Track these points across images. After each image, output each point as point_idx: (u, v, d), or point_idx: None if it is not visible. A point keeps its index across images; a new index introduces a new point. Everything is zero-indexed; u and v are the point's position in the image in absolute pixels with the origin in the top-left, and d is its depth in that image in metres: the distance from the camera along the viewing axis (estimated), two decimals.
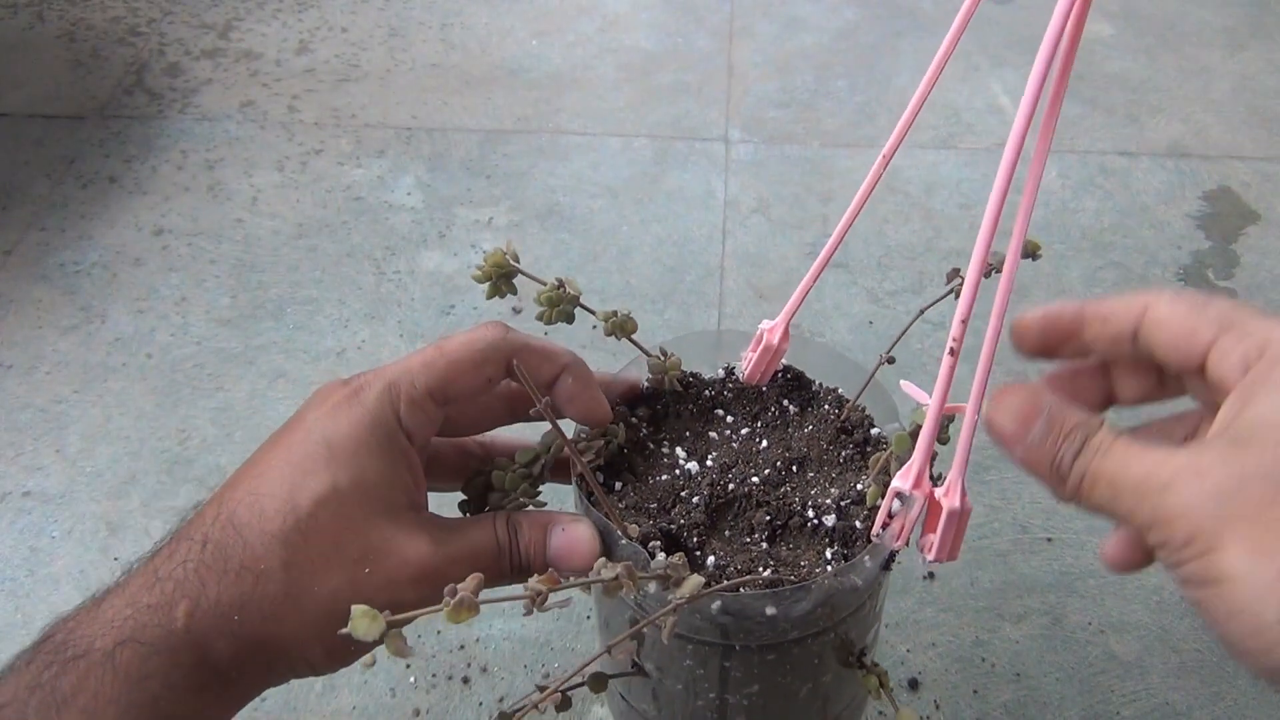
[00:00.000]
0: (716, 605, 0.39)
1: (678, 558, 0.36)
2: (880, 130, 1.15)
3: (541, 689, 0.35)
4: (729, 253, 1.00)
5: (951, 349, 0.35)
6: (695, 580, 0.35)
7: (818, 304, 0.93)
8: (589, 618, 0.71)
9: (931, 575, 0.73)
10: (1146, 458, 0.30)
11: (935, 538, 0.37)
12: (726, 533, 0.42)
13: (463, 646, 0.70)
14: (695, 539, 0.41)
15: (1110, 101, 1.20)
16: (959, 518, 0.37)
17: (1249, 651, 0.27)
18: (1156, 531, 0.29)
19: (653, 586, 0.36)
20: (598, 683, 0.45)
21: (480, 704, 0.67)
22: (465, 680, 0.68)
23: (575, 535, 0.39)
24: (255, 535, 0.35)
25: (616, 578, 0.34)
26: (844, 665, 0.46)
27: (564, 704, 0.39)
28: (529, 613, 0.32)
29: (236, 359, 0.90)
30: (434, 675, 0.68)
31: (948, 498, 0.37)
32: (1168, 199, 1.08)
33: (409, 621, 0.30)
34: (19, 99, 1.19)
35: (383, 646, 0.30)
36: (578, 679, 0.38)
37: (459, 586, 0.30)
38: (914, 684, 0.68)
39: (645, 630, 0.35)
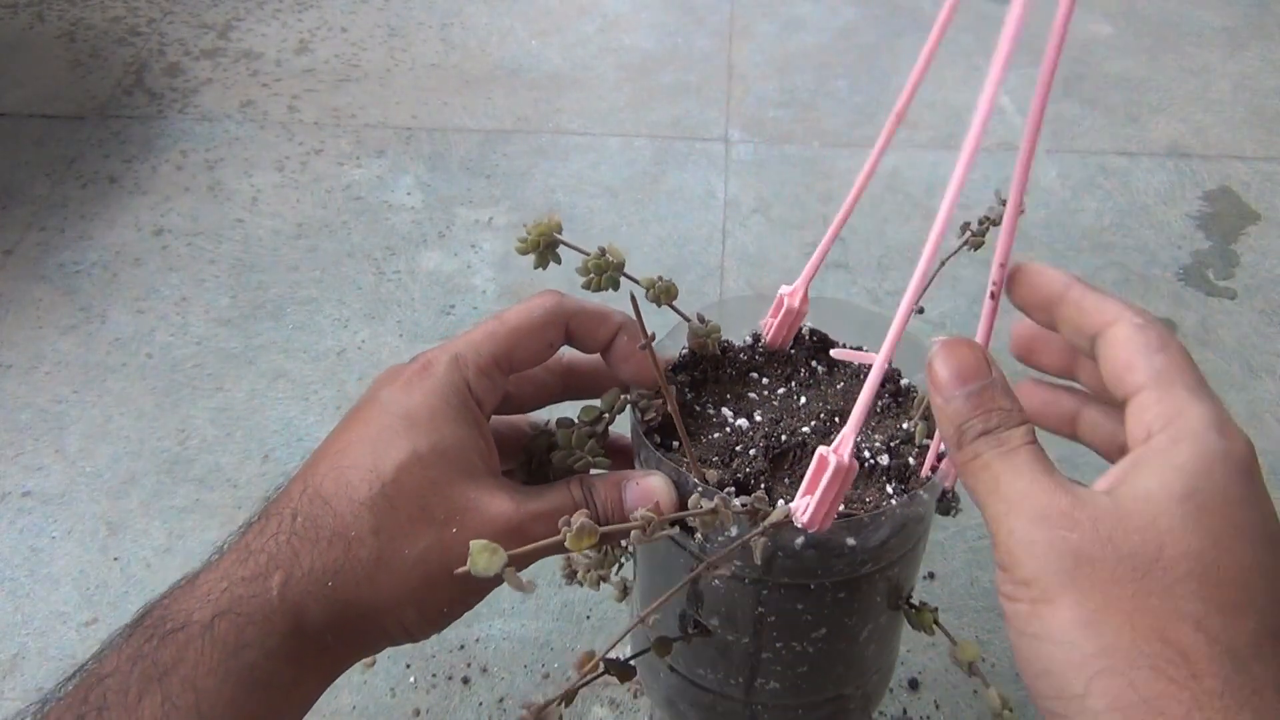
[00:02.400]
0: (800, 540, 0.39)
1: (760, 493, 0.37)
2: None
3: (548, 703, 0.35)
4: (729, 253, 1.00)
5: (992, 293, 0.34)
6: (783, 508, 0.36)
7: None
8: (589, 618, 0.71)
9: (931, 575, 0.73)
10: (1038, 480, 0.30)
11: (814, 500, 0.35)
12: (787, 480, 0.44)
13: (463, 646, 0.70)
14: (762, 485, 0.42)
15: (1110, 101, 1.20)
16: (844, 475, 0.35)
17: (1049, 711, 0.28)
18: (1005, 555, 0.30)
19: (734, 530, 0.38)
20: (663, 646, 0.45)
21: (480, 704, 0.67)
22: (465, 680, 0.68)
23: (650, 487, 0.40)
24: (344, 504, 0.36)
25: (714, 510, 0.35)
26: (893, 608, 0.47)
27: (626, 674, 0.39)
28: (639, 541, 0.33)
29: (236, 359, 0.90)
30: (434, 675, 0.68)
31: (836, 454, 0.35)
32: (1168, 199, 1.08)
33: (528, 555, 0.31)
34: (19, 99, 1.19)
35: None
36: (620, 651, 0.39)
37: (571, 518, 0.32)
38: (914, 684, 0.68)
39: (708, 586, 0.35)
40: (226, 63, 1.26)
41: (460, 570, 0.30)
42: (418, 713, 0.67)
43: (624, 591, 0.50)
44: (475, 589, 0.37)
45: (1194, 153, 1.13)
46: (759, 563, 0.36)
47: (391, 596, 0.36)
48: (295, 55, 1.27)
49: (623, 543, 0.35)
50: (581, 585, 0.33)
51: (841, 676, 0.49)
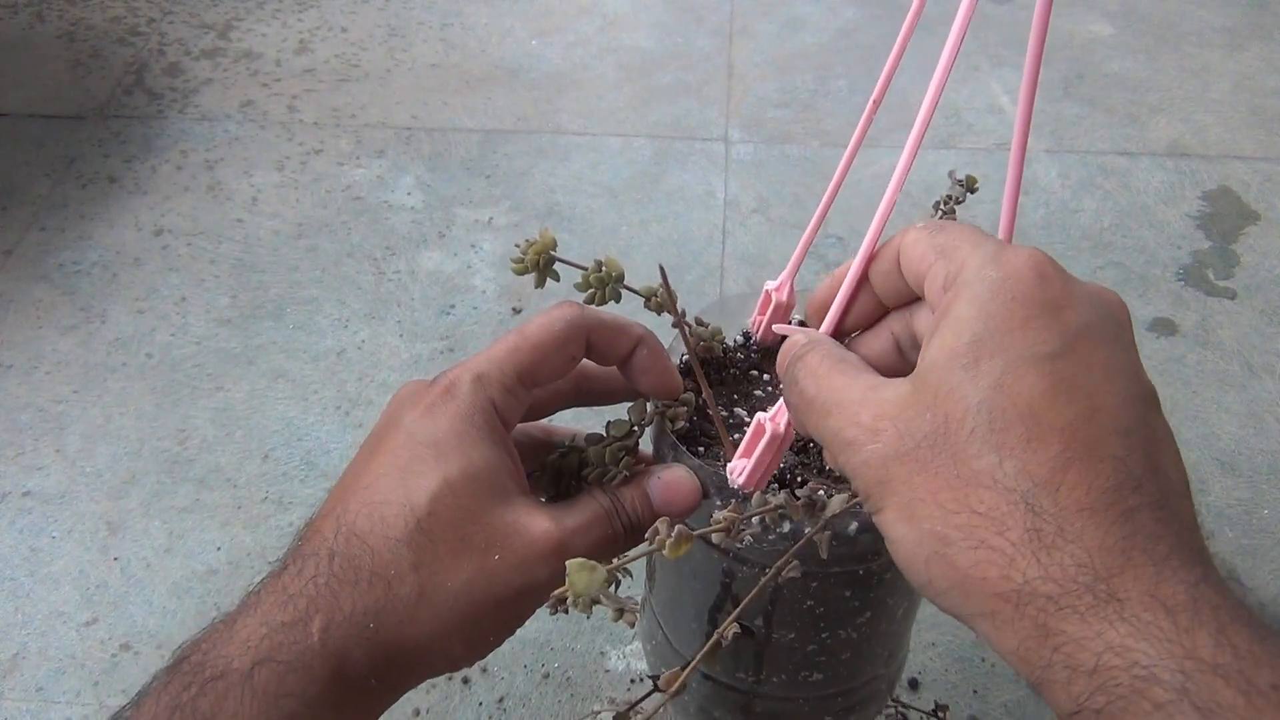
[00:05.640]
0: (854, 526, 0.39)
1: (813, 484, 0.37)
2: (880, 130, 1.15)
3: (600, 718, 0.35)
4: (729, 253, 1.00)
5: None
6: (840, 498, 0.36)
7: None
8: (588, 618, 0.71)
9: None
10: (838, 390, 0.31)
11: (749, 463, 0.37)
12: (816, 472, 0.43)
13: None
14: (799, 479, 0.42)
15: (1110, 101, 1.20)
16: (779, 443, 0.37)
17: (931, 599, 0.29)
18: (847, 476, 0.31)
19: (787, 525, 0.38)
20: (711, 656, 0.45)
21: (480, 704, 0.67)
22: (465, 680, 0.68)
23: (673, 478, 0.40)
24: (380, 542, 0.35)
25: (783, 504, 0.35)
26: None
27: (680, 687, 0.39)
28: (724, 539, 0.33)
29: (236, 359, 0.90)
30: None
31: (773, 421, 0.36)
32: (1168, 199, 1.08)
33: (627, 564, 0.31)
34: (19, 99, 1.19)
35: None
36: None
37: (658, 525, 0.32)
38: (914, 684, 0.68)
39: (752, 585, 0.35)
40: (226, 63, 1.26)
41: (559, 592, 0.30)
42: (418, 713, 0.67)
43: (619, 612, 0.50)
44: (519, 613, 0.37)
45: (1194, 153, 1.13)
46: (825, 556, 0.36)
47: (436, 631, 0.35)
48: (295, 55, 1.27)
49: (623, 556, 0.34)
50: (568, 613, 0.32)
51: (878, 657, 0.49)
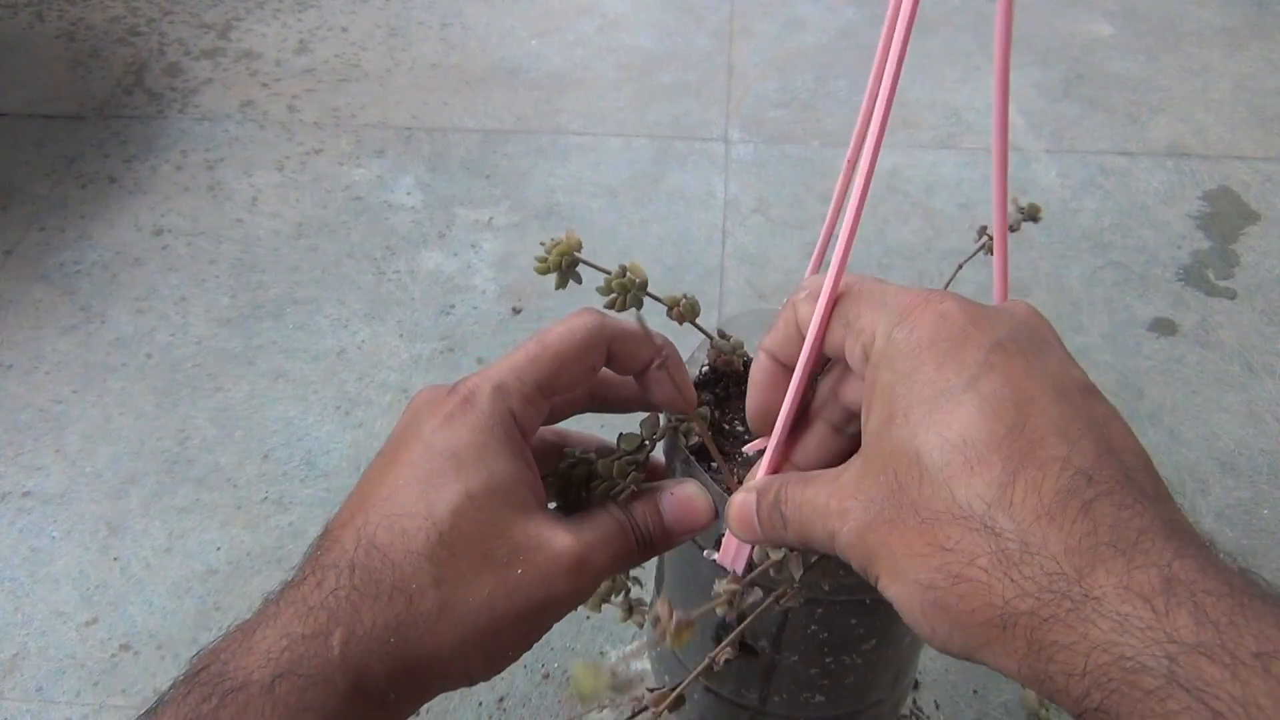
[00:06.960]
0: None
1: None
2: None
3: None
4: (729, 253, 1.00)
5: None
6: None
7: None
8: (588, 618, 0.71)
9: None
10: (811, 499, 0.33)
11: (723, 549, 0.38)
12: None
13: None
14: None
15: (1110, 101, 1.20)
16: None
17: (936, 649, 0.30)
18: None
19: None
20: (709, 672, 0.45)
21: (480, 704, 0.67)
22: None
23: (685, 495, 0.40)
24: (401, 556, 0.35)
25: (783, 559, 0.36)
26: None
27: (676, 703, 0.39)
28: (746, 573, 0.35)
29: (236, 359, 0.90)
30: None
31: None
32: (1168, 199, 1.08)
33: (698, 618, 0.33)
34: (19, 99, 1.19)
35: None
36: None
37: (659, 611, 0.33)
38: (914, 684, 0.68)
39: (756, 605, 0.36)
40: (226, 63, 1.26)
41: (567, 695, 0.31)
42: (417, 712, 0.67)
43: (629, 612, 0.50)
44: (539, 627, 0.37)
45: (1194, 153, 1.13)
46: (828, 588, 0.36)
47: (456, 645, 0.35)
48: (295, 55, 1.27)
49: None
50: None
51: (883, 683, 0.49)
